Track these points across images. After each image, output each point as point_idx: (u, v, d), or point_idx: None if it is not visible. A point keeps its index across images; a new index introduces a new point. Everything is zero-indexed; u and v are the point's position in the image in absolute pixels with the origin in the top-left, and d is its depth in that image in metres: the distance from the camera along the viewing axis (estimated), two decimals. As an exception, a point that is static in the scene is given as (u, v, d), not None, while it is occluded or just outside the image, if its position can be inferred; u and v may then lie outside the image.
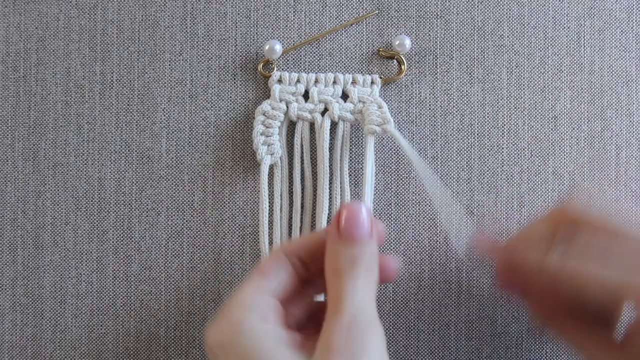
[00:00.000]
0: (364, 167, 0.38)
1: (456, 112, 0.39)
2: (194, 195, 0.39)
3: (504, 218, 0.39)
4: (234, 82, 0.39)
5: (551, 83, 0.39)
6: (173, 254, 0.39)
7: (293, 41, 0.39)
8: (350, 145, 0.39)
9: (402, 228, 0.39)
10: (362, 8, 0.39)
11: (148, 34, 0.39)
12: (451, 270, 0.38)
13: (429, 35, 0.39)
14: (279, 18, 0.39)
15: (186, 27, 0.39)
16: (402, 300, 0.38)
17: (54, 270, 0.39)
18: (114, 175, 0.39)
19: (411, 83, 0.39)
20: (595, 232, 0.29)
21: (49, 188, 0.39)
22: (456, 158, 0.39)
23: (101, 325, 0.39)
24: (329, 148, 0.38)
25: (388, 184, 0.39)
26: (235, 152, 0.39)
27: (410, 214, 0.39)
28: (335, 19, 0.39)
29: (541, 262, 0.29)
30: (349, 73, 0.39)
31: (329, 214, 0.38)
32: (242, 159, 0.39)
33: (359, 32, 0.39)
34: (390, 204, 0.39)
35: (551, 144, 0.39)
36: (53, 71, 0.40)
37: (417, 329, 0.38)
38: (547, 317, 0.32)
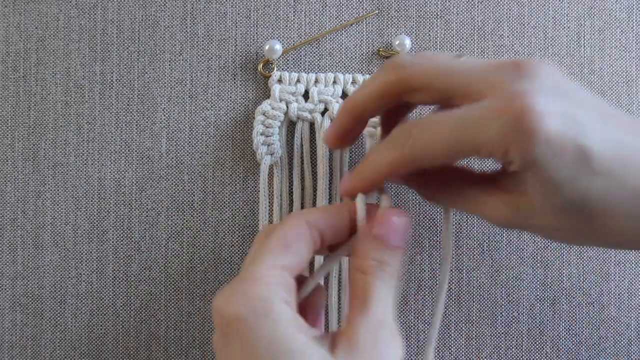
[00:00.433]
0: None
1: (456, 112, 0.39)
2: (194, 195, 0.39)
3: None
4: (234, 82, 0.39)
5: (551, 83, 0.39)
6: (173, 254, 0.39)
7: (293, 41, 0.39)
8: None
9: (402, 228, 0.39)
10: (362, 8, 0.39)
11: (148, 34, 0.39)
12: (451, 270, 0.38)
13: (429, 35, 0.39)
14: (279, 18, 0.39)
15: (186, 27, 0.39)
16: (402, 300, 0.38)
17: (54, 270, 0.39)
18: (114, 175, 0.39)
19: (411, 83, 0.39)
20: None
21: (49, 188, 0.39)
22: (456, 158, 0.39)
23: (101, 325, 0.39)
24: (329, 148, 0.38)
25: (388, 184, 0.39)
26: (235, 152, 0.39)
27: (410, 214, 0.38)
28: (335, 19, 0.39)
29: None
30: (349, 73, 0.39)
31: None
32: (242, 159, 0.39)
33: (359, 32, 0.39)
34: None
35: (551, 144, 0.39)
36: (53, 71, 0.40)
37: (417, 329, 0.38)
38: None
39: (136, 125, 0.39)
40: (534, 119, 0.23)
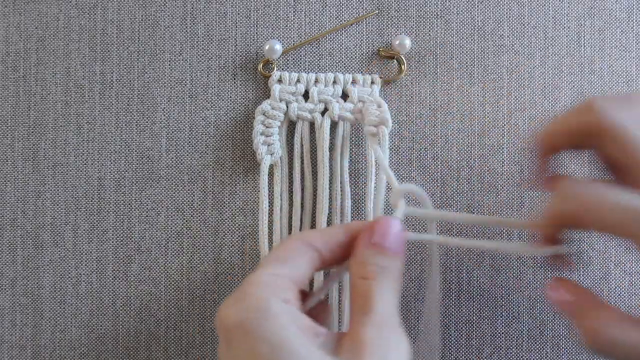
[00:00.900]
0: (367, 167, 0.38)
1: (456, 111, 0.39)
2: (194, 195, 0.39)
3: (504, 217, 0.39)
4: (234, 82, 0.39)
5: (551, 83, 0.39)
6: (173, 254, 0.39)
7: (293, 41, 0.39)
8: (350, 145, 0.39)
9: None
10: (362, 8, 0.39)
11: (148, 34, 0.39)
12: (451, 270, 0.38)
13: (429, 35, 0.39)
14: (279, 18, 0.39)
15: (186, 27, 0.39)
16: (402, 301, 0.38)
17: (54, 270, 0.39)
18: (114, 175, 0.39)
19: (411, 83, 0.39)
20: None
21: (48, 188, 0.39)
22: (456, 158, 0.39)
23: (101, 325, 0.39)
24: (329, 148, 0.38)
25: (387, 183, 0.39)
26: (235, 152, 0.39)
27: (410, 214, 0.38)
28: (335, 19, 0.39)
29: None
30: (349, 73, 0.39)
31: (329, 214, 0.38)
32: (242, 159, 0.39)
33: (359, 32, 0.39)
34: (390, 203, 0.39)
35: (551, 143, 0.39)
36: (53, 71, 0.40)
37: (417, 329, 0.38)
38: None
39: (136, 125, 0.39)
40: None
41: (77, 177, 0.39)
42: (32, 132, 0.39)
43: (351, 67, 0.39)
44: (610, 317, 0.27)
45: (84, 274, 0.39)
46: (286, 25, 0.39)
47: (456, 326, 0.38)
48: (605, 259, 0.38)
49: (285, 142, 0.39)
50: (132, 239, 0.39)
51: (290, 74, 0.38)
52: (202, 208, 0.39)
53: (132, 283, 0.39)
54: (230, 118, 0.39)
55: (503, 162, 0.39)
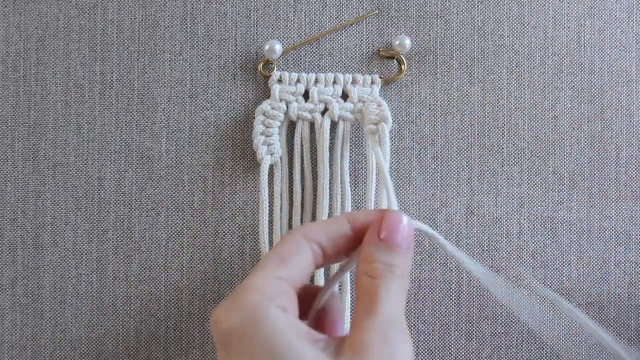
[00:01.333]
0: (367, 167, 0.38)
1: (456, 111, 0.39)
2: (194, 195, 0.39)
3: (504, 218, 0.39)
4: (234, 82, 0.39)
5: (551, 83, 0.39)
6: (173, 254, 0.39)
7: (293, 41, 0.39)
8: (350, 145, 0.39)
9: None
10: (362, 8, 0.39)
11: (148, 34, 0.39)
12: (451, 270, 0.38)
13: (429, 35, 0.39)
14: (279, 18, 0.39)
15: (186, 27, 0.39)
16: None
17: (54, 270, 0.39)
18: (114, 175, 0.39)
19: (411, 83, 0.39)
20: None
21: (49, 188, 0.39)
22: (456, 158, 0.39)
23: (101, 325, 0.39)
24: (329, 148, 0.38)
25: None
26: (235, 152, 0.39)
27: (410, 214, 0.39)
28: (335, 19, 0.39)
29: None
30: (349, 73, 0.39)
31: (329, 214, 0.38)
32: (242, 159, 0.39)
33: (359, 32, 0.39)
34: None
35: (551, 144, 0.39)
36: (53, 71, 0.40)
37: (417, 329, 0.38)
38: None
39: (136, 125, 0.39)
40: None
41: (77, 177, 0.39)
42: (32, 132, 0.39)
43: (351, 67, 0.39)
44: None
45: (84, 274, 0.39)
46: (286, 25, 0.39)
47: (456, 326, 0.38)
48: (605, 259, 0.38)
49: (285, 142, 0.39)
50: (132, 239, 0.39)
51: (290, 74, 0.38)
52: (202, 208, 0.39)
53: (132, 283, 0.39)
54: (230, 118, 0.39)
55: (503, 163, 0.39)
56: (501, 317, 0.38)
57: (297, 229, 0.28)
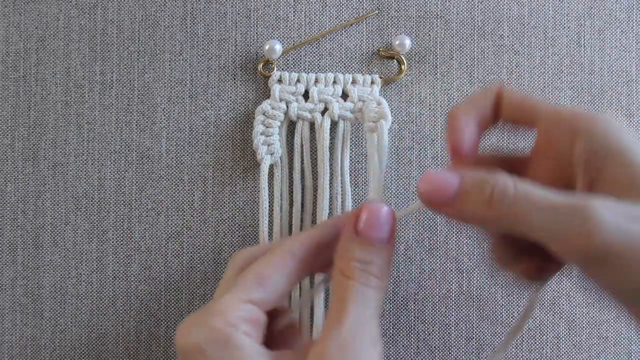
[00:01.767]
0: (368, 165, 0.38)
1: (456, 112, 0.39)
2: (194, 195, 0.39)
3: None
4: (234, 82, 0.39)
5: (551, 83, 0.39)
6: (173, 254, 0.39)
7: (293, 41, 0.39)
8: (351, 145, 0.39)
9: (402, 228, 0.39)
10: (362, 8, 0.39)
11: (148, 34, 0.39)
12: (451, 270, 0.38)
13: (429, 35, 0.39)
14: (279, 18, 0.39)
15: (186, 27, 0.39)
16: (402, 301, 0.38)
17: (54, 270, 0.39)
18: (114, 175, 0.39)
19: (411, 83, 0.39)
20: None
21: (49, 188, 0.39)
22: (456, 158, 0.39)
23: (101, 325, 0.39)
24: (329, 147, 0.38)
25: (388, 183, 0.39)
26: (235, 152, 0.39)
27: (411, 214, 0.38)
28: (335, 19, 0.39)
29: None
30: (349, 73, 0.39)
31: (329, 214, 0.38)
32: (242, 159, 0.39)
33: (359, 32, 0.39)
34: (389, 203, 0.39)
35: (551, 143, 0.39)
36: (53, 71, 0.40)
37: (417, 330, 0.38)
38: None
39: (136, 125, 0.39)
40: None
41: (77, 177, 0.39)
42: (32, 132, 0.39)
43: (351, 67, 0.39)
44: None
45: (84, 274, 0.39)
46: (286, 25, 0.39)
47: (456, 326, 0.38)
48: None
49: (285, 142, 0.39)
50: (132, 239, 0.39)
51: (290, 74, 0.38)
52: (202, 208, 0.39)
53: (132, 283, 0.39)
54: (230, 118, 0.39)
55: (503, 162, 0.39)
56: (501, 317, 0.38)
57: (283, 245, 0.27)
